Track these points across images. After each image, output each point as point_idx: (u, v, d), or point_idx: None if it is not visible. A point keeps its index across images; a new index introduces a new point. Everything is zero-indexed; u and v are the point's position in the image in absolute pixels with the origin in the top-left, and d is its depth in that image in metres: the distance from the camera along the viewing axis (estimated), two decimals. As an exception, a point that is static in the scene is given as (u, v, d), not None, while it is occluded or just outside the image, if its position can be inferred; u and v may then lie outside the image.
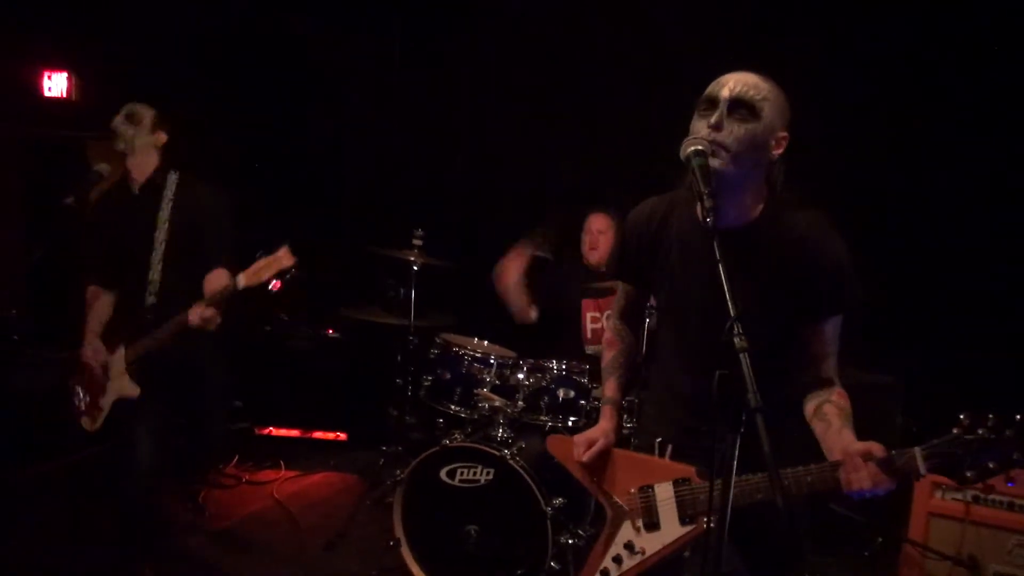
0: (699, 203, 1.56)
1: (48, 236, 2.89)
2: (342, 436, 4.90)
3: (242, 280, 2.79)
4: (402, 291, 4.05)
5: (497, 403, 3.30)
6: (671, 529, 1.88)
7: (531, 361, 3.42)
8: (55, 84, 5.56)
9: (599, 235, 3.92)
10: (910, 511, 3.16)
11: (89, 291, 3.12)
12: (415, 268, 3.81)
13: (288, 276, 2.80)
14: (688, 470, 1.88)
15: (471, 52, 4.62)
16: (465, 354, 3.48)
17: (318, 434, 4.93)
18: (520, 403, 3.32)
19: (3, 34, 5.32)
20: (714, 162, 1.65)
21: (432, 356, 3.58)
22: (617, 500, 2.00)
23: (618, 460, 2.04)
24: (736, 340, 1.33)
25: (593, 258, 3.95)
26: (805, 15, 3.88)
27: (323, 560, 3.45)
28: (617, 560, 1.95)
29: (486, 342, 3.70)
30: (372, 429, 4.67)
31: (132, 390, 2.92)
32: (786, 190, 1.79)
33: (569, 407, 3.32)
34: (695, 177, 1.58)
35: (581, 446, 2.02)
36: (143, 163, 3.01)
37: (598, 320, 3.96)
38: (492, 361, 3.45)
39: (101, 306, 3.10)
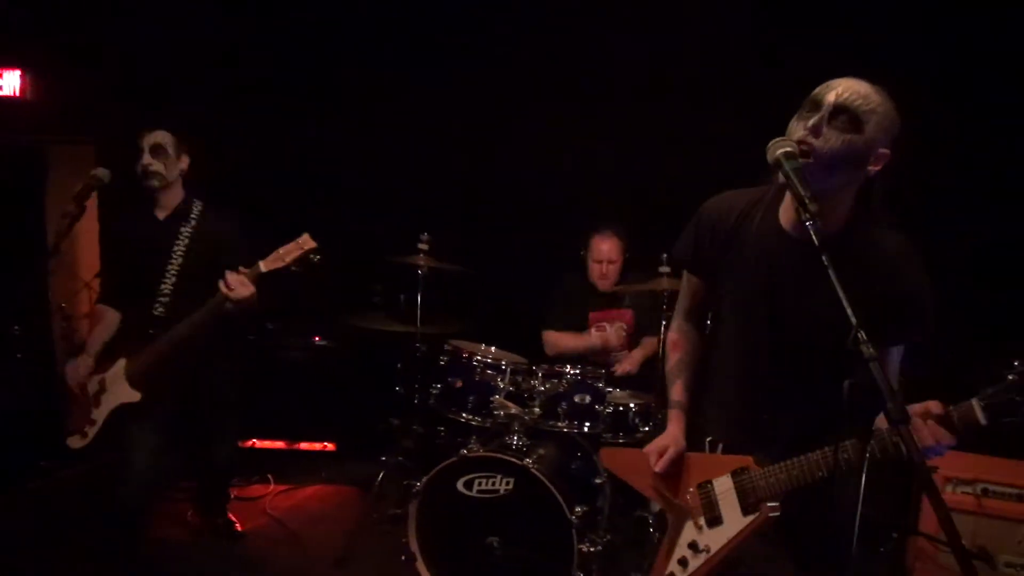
0: (800, 207, 1.49)
1: (54, 248, 2.74)
2: (330, 447, 4.74)
3: (262, 266, 2.81)
4: (402, 296, 3.95)
5: (513, 410, 3.23)
6: (734, 521, 1.84)
7: (546, 367, 3.36)
8: (6, 82, 5.24)
9: (610, 265, 3.89)
10: (921, 505, 3.21)
11: (97, 309, 3.12)
12: (420, 272, 3.70)
13: (311, 259, 2.83)
14: (745, 459, 1.85)
15: (475, 55, 4.53)
16: (477, 361, 3.40)
17: (305, 445, 4.76)
18: (536, 410, 3.26)
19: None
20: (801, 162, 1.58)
21: (441, 363, 3.49)
22: (677, 502, 1.97)
23: (675, 462, 2.01)
24: (864, 348, 1.30)
25: (604, 286, 3.93)
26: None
27: (335, 578, 3.33)
28: (683, 563, 1.91)
29: (494, 348, 3.62)
30: (363, 439, 4.55)
31: (132, 396, 2.89)
32: (882, 209, 1.73)
33: (586, 413, 3.28)
34: (792, 181, 1.53)
35: (653, 455, 1.98)
36: (173, 194, 3.08)
37: (603, 329, 3.94)
38: (505, 367, 3.38)
39: (106, 325, 3.09)
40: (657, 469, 1.95)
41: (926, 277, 1.71)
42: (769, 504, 1.78)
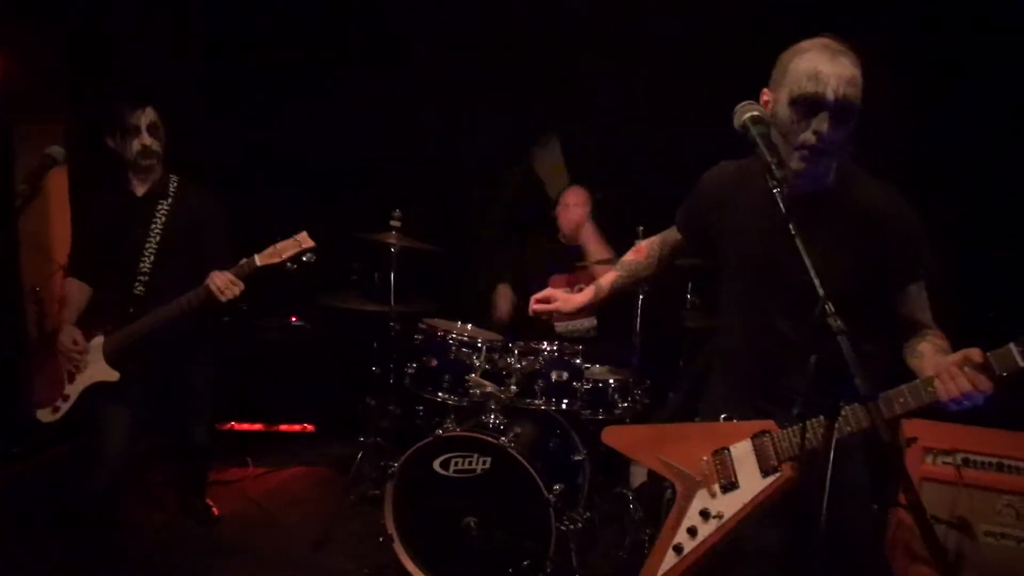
0: (768, 174, 1.46)
1: (6, 228, 2.67)
2: (309, 428, 4.70)
3: (258, 260, 2.83)
4: (376, 275, 3.87)
5: (489, 389, 3.18)
6: (752, 484, 1.76)
7: (522, 344, 3.30)
8: (-28, 60, 5.10)
9: (575, 208, 4.01)
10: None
11: (67, 283, 3.08)
12: (393, 251, 3.62)
13: (305, 259, 2.86)
14: (767, 424, 1.78)
15: (439, 29, 4.43)
16: (452, 339, 3.34)
17: (283, 427, 4.71)
18: (513, 388, 3.20)
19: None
20: (813, 165, 1.64)
21: (416, 342, 3.42)
22: (687, 471, 1.88)
23: (686, 432, 1.96)
24: (831, 322, 1.25)
25: (568, 228, 4.00)
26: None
27: (312, 560, 3.29)
28: (692, 532, 1.81)
29: (470, 325, 3.56)
30: (341, 420, 4.49)
31: (109, 375, 2.90)
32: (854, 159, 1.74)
33: (564, 390, 3.23)
34: (760, 147, 1.49)
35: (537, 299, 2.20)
36: (155, 170, 3.04)
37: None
38: (480, 345, 3.32)
39: (78, 298, 3.05)
40: (535, 308, 2.18)
41: (917, 216, 1.73)
42: (790, 463, 1.71)
